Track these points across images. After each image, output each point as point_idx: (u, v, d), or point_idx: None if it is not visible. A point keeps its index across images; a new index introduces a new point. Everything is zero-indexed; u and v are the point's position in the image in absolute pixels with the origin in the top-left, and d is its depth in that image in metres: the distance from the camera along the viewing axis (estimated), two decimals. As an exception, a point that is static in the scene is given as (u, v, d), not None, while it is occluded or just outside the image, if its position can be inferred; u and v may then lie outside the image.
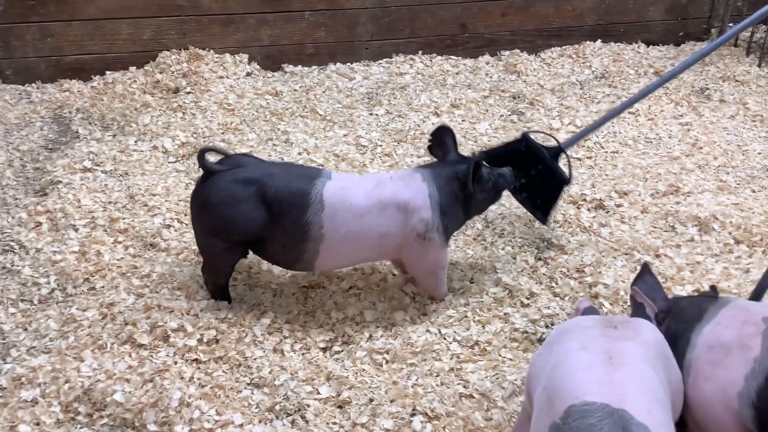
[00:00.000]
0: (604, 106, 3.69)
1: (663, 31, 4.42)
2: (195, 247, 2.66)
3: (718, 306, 1.82)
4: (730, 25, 4.44)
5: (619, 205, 2.94)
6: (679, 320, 1.85)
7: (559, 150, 2.67)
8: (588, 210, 2.93)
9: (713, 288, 1.98)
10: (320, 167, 2.89)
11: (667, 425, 1.52)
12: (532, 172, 2.66)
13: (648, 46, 4.40)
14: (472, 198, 2.37)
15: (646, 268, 1.99)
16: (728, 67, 4.09)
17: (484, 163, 2.42)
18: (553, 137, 2.78)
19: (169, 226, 2.78)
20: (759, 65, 4.09)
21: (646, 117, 3.58)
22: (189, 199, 2.80)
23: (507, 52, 4.32)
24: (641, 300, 1.93)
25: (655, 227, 2.81)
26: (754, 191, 2.99)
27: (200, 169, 2.28)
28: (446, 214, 2.32)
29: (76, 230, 2.76)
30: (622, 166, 3.21)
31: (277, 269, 2.59)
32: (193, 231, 2.40)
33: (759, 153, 3.27)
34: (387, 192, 2.28)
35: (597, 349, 1.62)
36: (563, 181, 2.64)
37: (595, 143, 3.37)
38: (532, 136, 2.69)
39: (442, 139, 2.40)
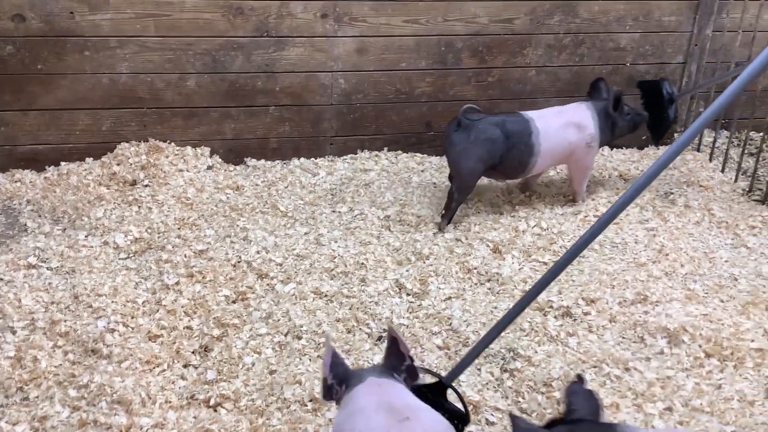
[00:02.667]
0: (570, 209, 3.65)
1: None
2: (141, 355, 2.50)
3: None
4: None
5: (586, 313, 2.85)
6: None
7: (672, 99, 3.73)
8: (555, 318, 2.84)
9: (579, 377, 1.83)
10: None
11: None
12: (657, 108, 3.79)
13: (611, 149, 4.43)
14: (616, 123, 3.62)
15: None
16: (692, 172, 4.10)
17: (626, 103, 3.66)
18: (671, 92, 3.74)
19: (113, 330, 2.61)
20: (722, 170, 4.11)
21: (612, 221, 3.54)
22: (136, 299, 2.67)
23: (472, 151, 4.30)
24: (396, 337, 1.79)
25: (623, 338, 2.72)
26: (722, 301, 2.92)
27: (459, 121, 3.36)
28: (601, 131, 3.58)
29: (14, 333, 2.59)
30: (589, 271, 3.14)
31: (225, 377, 2.43)
32: (455, 165, 3.41)
33: (726, 261, 3.22)
34: (568, 116, 3.52)
35: None
36: (671, 121, 3.78)
37: (561, 247, 3.30)
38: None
39: (596, 87, 3.64)
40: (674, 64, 4.36)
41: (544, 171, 3.68)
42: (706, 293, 2.97)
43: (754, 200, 3.84)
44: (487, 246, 3.30)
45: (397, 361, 1.81)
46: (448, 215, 3.44)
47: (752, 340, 2.69)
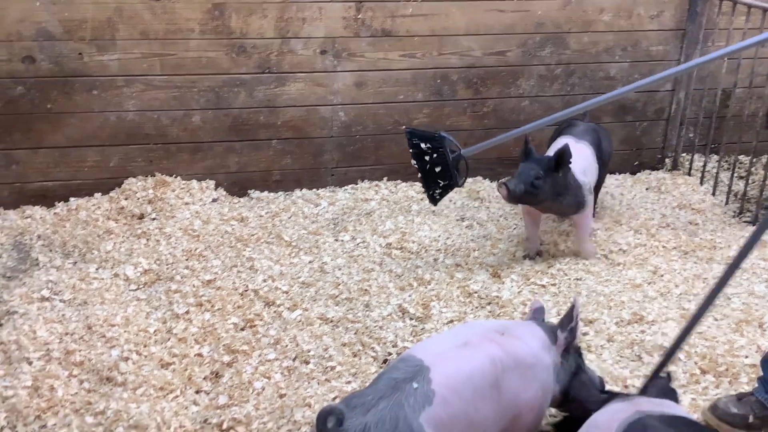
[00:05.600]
0: (564, 226, 3.75)
1: (619, 161, 4.57)
2: (154, 381, 2.57)
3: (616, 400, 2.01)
4: (683, 155, 4.62)
5: (585, 334, 2.94)
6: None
7: (460, 156, 3.29)
8: (554, 339, 2.92)
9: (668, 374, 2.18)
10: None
11: (456, 410, 1.77)
12: (437, 168, 3.30)
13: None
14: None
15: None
16: (684, 195, 4.22)
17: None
18: (458, 146, 3.32)
19: (127, 359, 2.69)
20: (713, 194, 4.23)
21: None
22: (148, 328, 2.74)
23: (470, 180, 4.41)
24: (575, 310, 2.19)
25: (621, 357, 2.80)
26: (716, 319, 3.02)
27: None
28: None
29: (30, 363, 2.66)
30: (586, 293, 3.23)
31: (236, 401, 2.51)
32: None
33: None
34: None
35: (461, 338, 1.94)
36: (454, 182, 3.31)
37: (558, 270, 3.40)
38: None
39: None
40: (663, 92, 4.50)
41: None
42: (700, 312, 3.06)
43: (745, 221, 3.96)
44: (487, 270, 3.40)
45: (567, 322, 2.19)
46: None
47: (746, 356, 2.78)
